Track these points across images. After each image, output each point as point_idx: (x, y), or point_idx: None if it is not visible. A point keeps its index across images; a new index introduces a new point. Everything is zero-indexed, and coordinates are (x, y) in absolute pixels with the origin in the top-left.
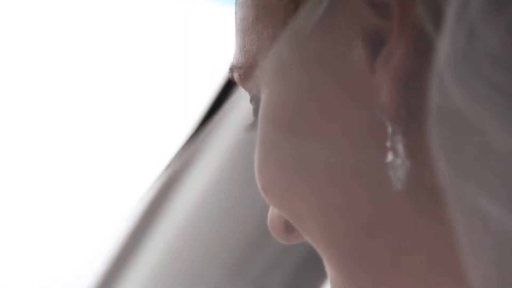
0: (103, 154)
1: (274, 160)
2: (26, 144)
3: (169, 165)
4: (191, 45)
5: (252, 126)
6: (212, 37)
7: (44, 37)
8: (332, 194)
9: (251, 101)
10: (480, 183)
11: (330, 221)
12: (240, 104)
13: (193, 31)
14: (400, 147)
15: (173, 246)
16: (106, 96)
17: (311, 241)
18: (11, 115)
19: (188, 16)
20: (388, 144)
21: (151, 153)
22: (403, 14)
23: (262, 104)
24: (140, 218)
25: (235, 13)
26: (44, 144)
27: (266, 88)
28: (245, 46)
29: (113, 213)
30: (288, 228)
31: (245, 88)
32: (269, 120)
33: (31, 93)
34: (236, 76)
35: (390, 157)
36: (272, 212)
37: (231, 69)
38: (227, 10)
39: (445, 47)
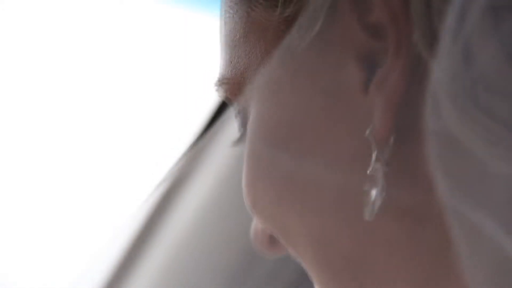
0: (101, 162)
1: (264, 177)
2: (29, 146)
3: (167, 175)
4: (191, 55)
5: (238, 141)
6: (208, 48)
7: (37, 51)
8: (322, 212)
9: (236, 116)
10: (476, 205)
11: (320, 239)
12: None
13: (189, 43)
14: (379, 177)
15: (172, 257)
16: (105, 102)
17: (301, 258)
18: (11, 115)
19: (185, 27)
20: (368, 172)
21: (151, 160)
22: (399, 37)
23: (251, 121)
24: (138, 228)
25: (220, 28)
26: (46, 147)
27: (255, 105)
28: (231, 62)
29: (111, 220)
30: (272, 241)
31: (231, 103)
32: (260, 137)
33: (31, 93)
34: (222, 91)
35: (367, 186)
36: (256, 225)
37: (217, 84)
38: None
39: (440, 72)
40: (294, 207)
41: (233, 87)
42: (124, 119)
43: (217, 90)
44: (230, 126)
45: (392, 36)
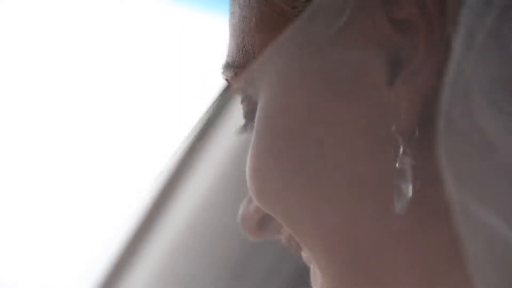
0: (100, 161)
1: (274, 165)
2: (28, 145)
3: (164, 172)
4: (190, 54)
5: (244, 128)
6: (204, 46)
7: (33, 56)
8: (335, 204)
9: (242, 102)
10: (489, 203)
11: (330, 230)
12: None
13: (186, 41)
14: (408, 170)
15: (171, 254)
16: (103, 102)
17: (306, 246)
18: (11, 115)
19: (181, 25)
20: (397, 165)
21: (147, 158)
22: (431, 34)
23: (262, 108)
24: (137, 224)
25: (232, 12)
26: (44, 146)
27: (267, 91)
28: (244, 46)
29: (110, 217)
30: (261, 225)
31: (238, 88)
32: (273, 125)
33: (30, 93)
34: (230, 76)
35: (396, 179)
36: (246, 209)
37: (226, 67)
38: (217, 18)
39: (472, 68)
40: (305, 195)
41: (242, 73)
42: (123, 118)
43: (223, 73)
44: (228, 126)
45: (424, 32)
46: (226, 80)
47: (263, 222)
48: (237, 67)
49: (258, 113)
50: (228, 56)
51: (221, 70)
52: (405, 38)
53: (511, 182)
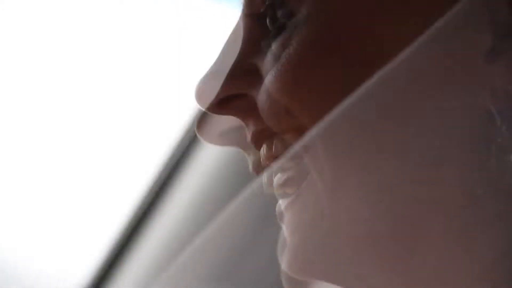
0: (96, 156)
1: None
2: (24, 143)
3: (161, 168)
4: (188, 45)
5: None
6: (208, 36)
7: (40, 38)
8: (395, 154)
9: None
10: None
11: (376, 174)
12: None
13: (189, 30)
14: (496, 147)
15: (163, 253)
16: (103, 97)
17: (316, 168)
18: (11, 115)
19: (185, 15)
20: (490, 143)
21: (142, 155)
22: None
23: (324, 22)
24: (131, 221)
25: None
26: (39, 145)
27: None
28: None
29: (104, 216)
30: (221, 105)
31: None
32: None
33: (29, 92)
34: None
35: (487, 155)
36: (205, 84)
37: None
38: (223, 9)
39: None
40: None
41: None
42: (120, 119)
43: None
44: None
45: None
46: None
47: (224, 101)
48: None
49: (314, 19)
50: None
51: None
52: None
53: None
